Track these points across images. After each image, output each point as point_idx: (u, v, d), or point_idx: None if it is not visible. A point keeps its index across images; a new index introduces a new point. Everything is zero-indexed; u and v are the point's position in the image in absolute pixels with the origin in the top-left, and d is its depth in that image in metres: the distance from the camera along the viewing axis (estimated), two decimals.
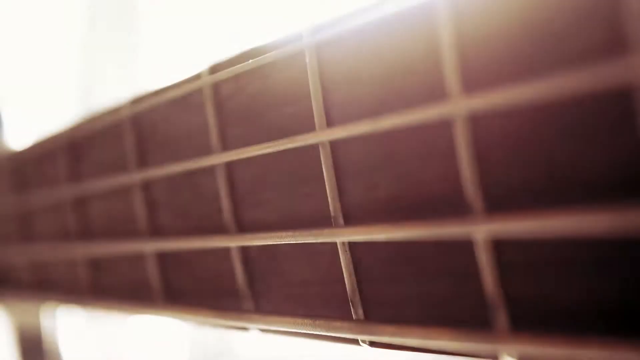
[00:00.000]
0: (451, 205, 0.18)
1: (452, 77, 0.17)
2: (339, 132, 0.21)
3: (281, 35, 0.23)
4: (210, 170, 0.26)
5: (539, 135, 0.16)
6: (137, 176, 0.30)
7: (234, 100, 0.25)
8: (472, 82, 0.17)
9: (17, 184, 0.42)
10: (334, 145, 0.21)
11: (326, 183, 0.22)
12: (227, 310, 0.26)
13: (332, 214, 0.22)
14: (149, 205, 0.30)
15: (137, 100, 0.30)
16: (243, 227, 0.25)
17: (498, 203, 0.17)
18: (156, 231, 0.30)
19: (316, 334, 0.23)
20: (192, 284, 0.29)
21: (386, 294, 0.21)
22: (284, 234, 0.23)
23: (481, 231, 0.17)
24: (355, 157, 0.21)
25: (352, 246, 0.21)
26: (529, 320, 0.17)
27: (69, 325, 0.49)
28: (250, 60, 0.24)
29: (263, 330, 0.26)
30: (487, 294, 0.17)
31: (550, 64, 0.16)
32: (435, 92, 0.18)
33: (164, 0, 0.93)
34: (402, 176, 0.19)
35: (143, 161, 0.30)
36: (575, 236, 0.16)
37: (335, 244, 0.22)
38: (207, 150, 0.26)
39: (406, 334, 0.19)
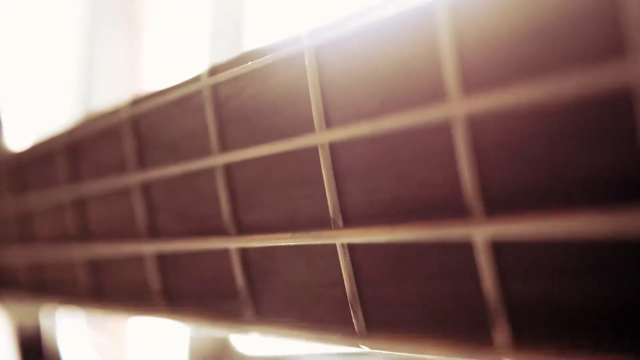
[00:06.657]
0: (451, 207, 0.18)
1: (451, 79, 0.17)
2: (338, 134, 0.21)
3: (281, 37, 0.23)
4: (209, 172, 0.26)
5: (539, 138, 0.16)
6: (136, 178, 0.30)
7: (234, 102, 0.25)
8: (471, 84, 0.17)
9: (16, 185, 0.42)
10: (333, 147, 0.21)
11: (325, 185, 0.22)
12: (226, 317, 0.26)
13: (332, 215, 0.22)
14: (149, 207, 0.30)
15: (136, 102, 0.30)
16: (242, 229, 0.25)
17: (497, 205, 0.17)
18: (155, 233, 0.30)
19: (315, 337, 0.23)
20: (191, 286, 0.29)
21: (386, 296, 0.21)
22: (283, 235, 0.23)
23: (481, 233, 0.17)
24: (355, 158, 0.21)
25: (352, 248, 0.21)
26: (528, 323, 0.17)
27: (69, 326, 0.49)
28: (250, 62, 0.24)
29: (262, 332, 0.26)
30: (486, 296, 0.17)
31: (550, 65, 0.16)
32: (435, 94, 0.18)
33: (164, 0, 0.93)
34: (401, 178, 0.19)
35: (143, 163, 0.30)
36: (575, 238, 0.15)
37: (334, 245, 0.22)
38: (206, 152, 0.26)
39: (404, 344, 0.19)
